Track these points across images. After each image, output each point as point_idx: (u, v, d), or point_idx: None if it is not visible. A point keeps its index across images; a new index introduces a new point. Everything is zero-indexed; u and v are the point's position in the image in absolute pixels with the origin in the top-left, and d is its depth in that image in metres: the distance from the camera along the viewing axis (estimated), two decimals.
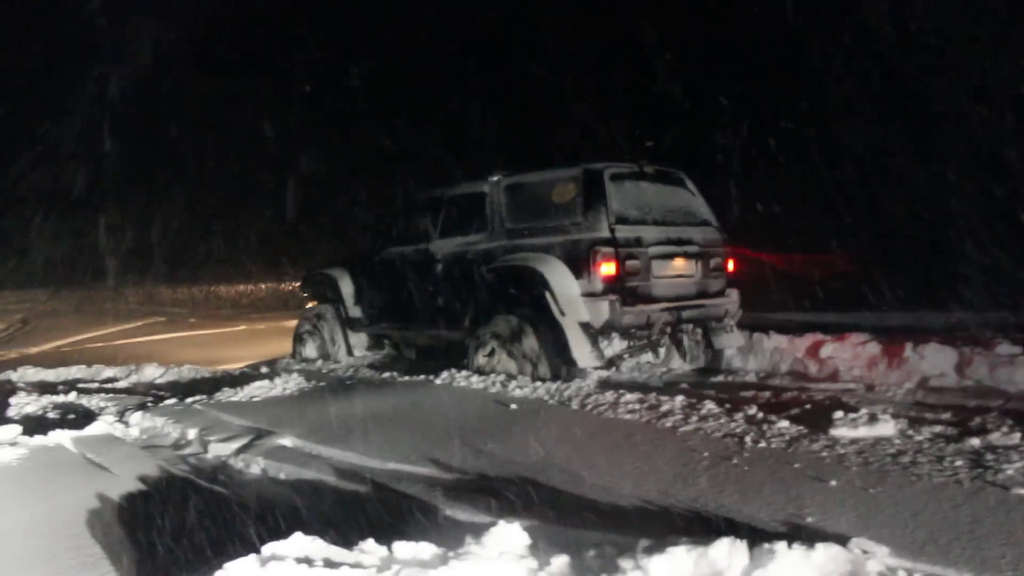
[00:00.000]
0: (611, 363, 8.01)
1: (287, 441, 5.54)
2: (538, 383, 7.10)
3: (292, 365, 10.33)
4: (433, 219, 9.10)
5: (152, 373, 10.13)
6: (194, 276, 31.50)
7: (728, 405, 5.84)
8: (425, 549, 2.85)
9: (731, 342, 8.53)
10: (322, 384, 7.95)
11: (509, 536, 2.95)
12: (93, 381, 10.28)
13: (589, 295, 7.38)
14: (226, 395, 7.41)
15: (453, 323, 8.68)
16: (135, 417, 6.72)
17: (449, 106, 24.83)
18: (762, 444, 4.80)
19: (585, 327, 7.46)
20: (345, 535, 3.02)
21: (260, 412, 6.56)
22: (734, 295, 8.51)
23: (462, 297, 8.56)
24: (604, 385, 7.03)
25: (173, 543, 3.73)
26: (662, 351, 8.77)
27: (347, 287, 10.26)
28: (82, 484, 4.71)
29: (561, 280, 7.47)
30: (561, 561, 2.81)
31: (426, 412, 6.30)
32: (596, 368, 7.56)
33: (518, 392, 6.81)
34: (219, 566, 2.62)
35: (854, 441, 4.81)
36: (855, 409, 5.43)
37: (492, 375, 7.55)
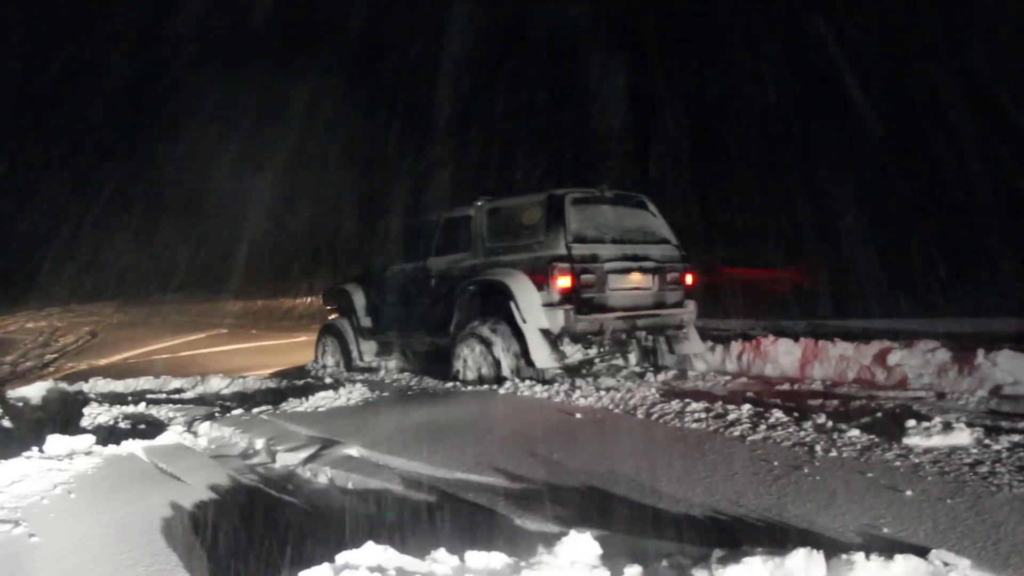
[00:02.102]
0: (582, 366, 8.79)
1: (353, 451, 5.58)
2: (601, 392, 7.09)
3: (316, 370, 11.49)
4: (430, 239, 10.19)
5: (218, 384, 10.29)
6: (256, 289, 31.97)
7: (796, 414, 5.75)
8: (497, 559, 2.85)
9: (690, 348, 9.50)
10: (385, 394, 8.01)
11: (581, 546, 2.93)
12: (161, 392, 10.48)
13: (548, 305, 8.37)
14: (291, 405, 7.49)
15: (443, 330, 9.55)
16: (203, 427, 6.83)
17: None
18: (833, 453, 4.71)
19: (545, 333, 8.35)
20: (415, 545, 3.02)
21: (325, 422, 6.63)
22: (691, 306, 9.43)
23: (450, 307, 9.45)
24: (669, 394, 6.98)
25: (246, 552, 3.78)
26: (632, 356, 9.61)
27: (359, 300, 11.41)
28: (155, 493, 4.80)
29: (524, 292, 8.47)
30: (634, 571, 2.79)
31: (491, 422, 6.31)
32: (556, 368, 8.30)
33: (582, 402, 6.79)
34: (294, 575, 2.64)
35: (928, 450, 4.70)
36: (928, 418, 5.32)
37: (555, 384, 7.62)
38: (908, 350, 7.82)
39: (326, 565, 2.71)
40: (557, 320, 8.32)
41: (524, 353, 8.36)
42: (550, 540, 2.96)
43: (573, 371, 8.54)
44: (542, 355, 8.27)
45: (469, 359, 8.92)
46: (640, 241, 9.13)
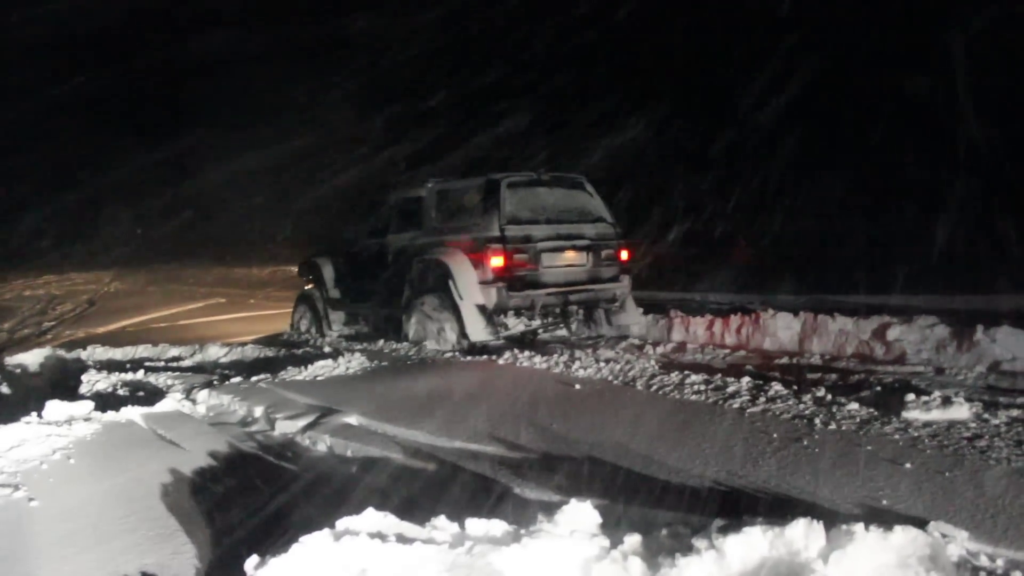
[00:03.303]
0: (525, 336, 9.64)
1: (352, 420, 5.59)
2: (601, 363, 7.10)
3: (290, 337, 12.27)
4: (390, 218, 10.81)
5: (216, 352, 10.29)
6: (256, 258, 31.92)
7: (795, 387, 5.76)
8: (497, 526, 2.85)
9: (626, 320, 10.04)
10: (384, 364, 8.00)
11: (581, 515, 2.94)
12: (159, 360, 10.48)
13: (484, 283, 8.99)
14: (290, 374, 7.49)
15: (396, 303, 10.18)
16: (202, 395, 6.84)
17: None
18: (832, 426, 4.72)
19: (481, 308, 8.96)
20: (415, 512, 3.02)
21: (324, 391, 6.63)
22: (625, 281, 10.01)
23: (402, 282, 10.05)
24: (668, 366, 6.98)
25: (245, 517, 3.79)
26: (574, 326, 10.31)
27: (328, 272, 12.04)
28: (155, 459, 4.81)
29: (462, 270, 9.08)
30: (634, 540, 2.79)
31: (490, 392, 6.31)
32: (491, 341, 8.91)
33: (582, 372, 6.80)
34: (294, 539, 2.64)
35: (927, 424, 4.71)
36: (927, 392, 5.33)
37: (554, 356, 7.62)
38: (907, 325, 7.81)
39: (326, 531, 2.71)
40: (491, 297, 8.97)
41: (461, 326, 8.96)
42: (550, 509, 2.96)
43: (516, 341, 9.30)
44: (476, 328, 8.89)
45: (417, 330, 9.67)
46: (575, 220, 9.66)
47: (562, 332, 10.12)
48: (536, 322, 9.80)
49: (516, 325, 9.56)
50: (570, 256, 9.50)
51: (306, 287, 12.75)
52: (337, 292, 11.93)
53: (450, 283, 9.07)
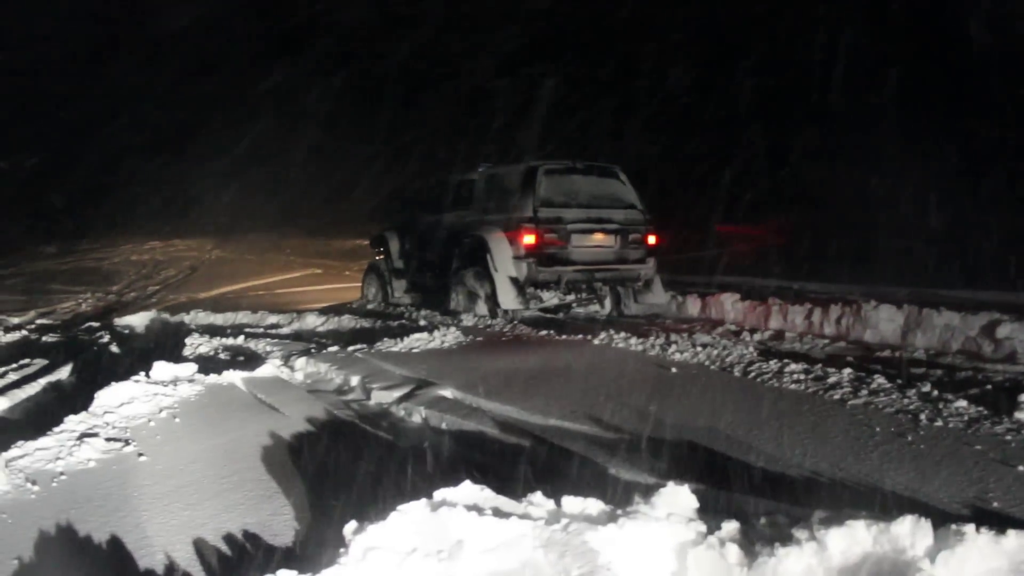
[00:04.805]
0: (559, 309, 10.71)
1: (447, 392, 5.63)
2: (698, 348, 7.02)
3: (358, 304, 13.27)
4: (446, 197, 11.98)
5: (314, 321, 10.49)
6: (350, 231, 32.45)
7: (898, 381, 5.59)
8: (593, 505, 2.83)
9: (652, 299, 10.98)
10: (479, 339, 8.05)
11: (678, 498, 2.89)
12: (258, 326, 10.74)
13: (516, 258, 10.06)
14: (386, 345, 7.59)
15: (445, 273, 11.38)
16: (300, 362, 6.98)
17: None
18: (938, 423, 4.56)
19: (513, 280, 10.04)
20: (510, 487, 3.02)
21: (420, 363, 6.70)
22: (651, 263, 10.90)
23: (451, 255, 11.22)
24: (766, 354, 6.86)
25: (342, 483, 3.85)
26: (607, 302, 11.15)
27: (394, 244, 13.32)
28: (255, 422, 4.94)
29: (498, 247, 10.19)
30: (732, 527, 2.75)
31: (585, 371, 6.29)
32: (522, 310, 10.09)
33: (678, 356, 6.73)
34: (391, 507, 2.66)
35: None
36: None
37: (650, 338, 7.58)
38: (1019, 323, 7.50)
39: (423, 500, 2.72)
40: (522, 271, 10.04)
41: (494, 295, 10.10)
42: (646, 491, 2.93)
43: (550, 311, 10.59)
44: (508, 298, 9.98)
45: (460, 297, 10.86)
46: (606, 206, 10.61)
47: (595, 307, 11.02)
48: (570, 297, 10.73)
49: (551, 298, 10.55)
50: (599, 238, 10.49)
51: (376, 258, 13.99)
52: (401, 263, 13.17)
53: (487, 257, 10.21)
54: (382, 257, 13.66)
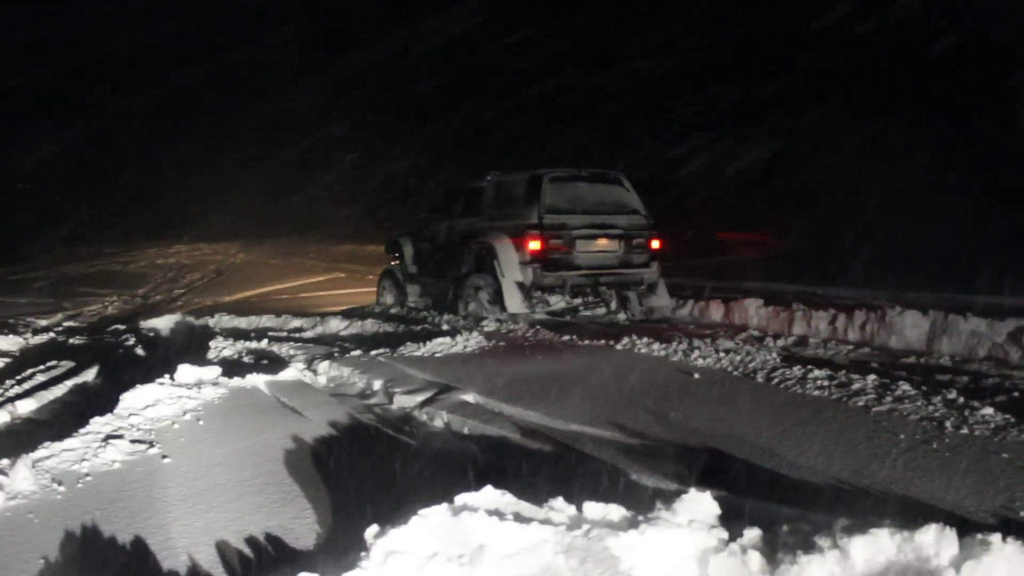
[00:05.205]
0: (566, 312, 10.91)
1: (470, 397, 5.64)
2: (720, 353, 6.98)
3: (375, 308, 13.37)
4: (457, 204, 12.14)
5: (337, 325, 10.51)
6: (377, 238, 32.69)
7: (924, 388, 5.54)
8: (615, 511, 2.82)
9: (656, 302, 11.16)
10: (502, 344, 8.05)
11: (700, 505, 2.88)
12: (282, 330, 10.78)
13: (522, 263, 10.32)
14: (409, 350, 7.61)
15: (456, 278, 11.58)
16: (323, 366, 7.01)
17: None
18: (964, 430, 4.52)
19: (519, 285, 10.29)
20: (531, 492, 3.02)
21: (442, 368, 6.71)
22: (654, 267, 11.07)
23: (461, 260, 11.48)
24: (789, 360, 6.81)
25: (364, 487, 3.86)
26: (613, 305, 11.33)
27: (408, 250, 13.43)
28: (278, 425, 4.97)
29: (505, 252, 10.43)
30: (754, 535, 2.73)
31: (607, 377, 6.27)
32: (527, 314, 10.24)
33: (700, 362, 6.69)
34: (412, 512, 2.67)
35: None
36: None
37: (672, 344, 7.53)
38: None
39: (445, 505, 2.73)
40: (527, 275, 10.29)
41: (500, 299, 10.30)
42: (668, 497, 2.92)
43: (557, 315, 10.74)
44: (514, 302, 10.20)
45: (469, 300, 11.01)
46: (610, 212, 10.85)
47: (601, 311, 11.26)
48: (577, 300, 11.09)
49: (558, 302, 10.84)
50: (602, 243, 10.74)
51: (391, 263, 14.12)
52: (415, 268, 13.31)
53: (495, 263, 10.45)
54: (397, 263, 13.88)
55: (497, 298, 10.40)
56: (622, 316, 11.13)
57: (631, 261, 10.93)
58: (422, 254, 13.16)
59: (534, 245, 10.25)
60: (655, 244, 11.08)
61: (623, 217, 10.91)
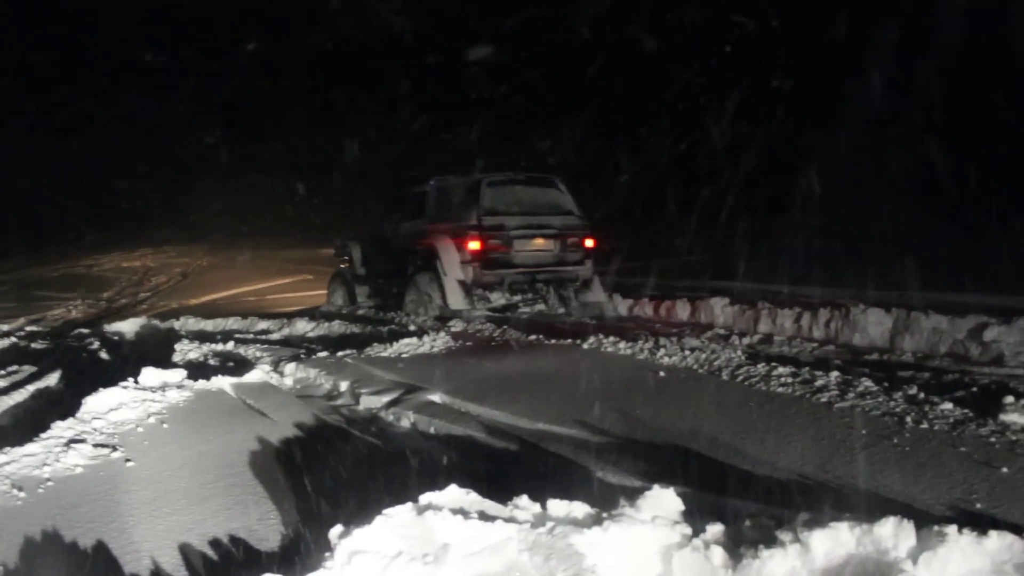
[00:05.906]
0: (507, 309, 11.23)
1: (436, 397, 5.65)
2: (686, 351, 7.02)
3: (326, 309, 13.73)
4: (404, 207, 12.79)
5: (304, 327, 10.47)
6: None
7: (886, 384, 5.60)
8: (579, 508, 2.84)
9: (591, 297, 11.74)
10: (468, 344, 8.05)
11: (663, 501, 2.90)
12: (248, 332, 10.73)
13: (463, 262, 11.00)
14: (376, 350, 7.59)
15: (401, 278, 12.16)
16: (289, 367, 6.99)
17: None
18: (924, 425, 4.57)
19: (461, 283, 10.96)
20: (497, 491, 3.03)
21: (409, 368, 6.71)
22: (588, 264, 11.78)
23: (407, 261, 12.07)
24: (754, 357, 6.86)
25: (329, 487, 3.86)
26: (551, 301, 11.73)
27: (356, 253, 14.06)
28: (243, 427, 4.94)
29: (447, 252, 11.10)
30: (716, 529, 2.76)
31: (573, 375, 6.29)
32: (468, 310, 10.62)
33: (666, 360, 6.73)
34: (377, 511, 2.67)
35: None
36: None
37: (639, 342, 7.56)
38: (1006, 327, 7.54)
39: (409, 504, 2.73)
40: (468, 274, 10.97)
41: (443, 297, 10.91)
42: (632, 494, 2.94)
43: (499, 311, 10.98)
44: (456, 299, 10.84)
45: (415, 299, 11.56)
46: (546, 213, 11.51)
47: (540, 307, 11.63)
48: (516, 297, 11.52)
49: (498, 299, 11.33)
50: (539, 243, 11.41)
51: (341, 265, 14.71)
52: (363, 270, 13.93)
53: (437, 263, 11.13)
54: (347, 265, 14.43)
55: (440, 296, 10.98)
56: (561, 311, 11.50)
57: (566, 259, 11.59)
58: (370, 256, 13.76)
59: (474, 245, 10.91)
60: (589, 243, 11.71)
61: (558, 218, 11.56)
